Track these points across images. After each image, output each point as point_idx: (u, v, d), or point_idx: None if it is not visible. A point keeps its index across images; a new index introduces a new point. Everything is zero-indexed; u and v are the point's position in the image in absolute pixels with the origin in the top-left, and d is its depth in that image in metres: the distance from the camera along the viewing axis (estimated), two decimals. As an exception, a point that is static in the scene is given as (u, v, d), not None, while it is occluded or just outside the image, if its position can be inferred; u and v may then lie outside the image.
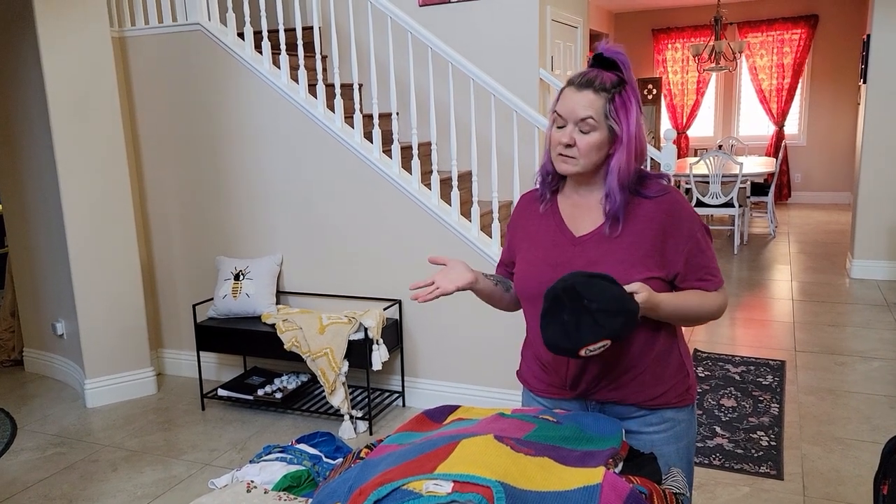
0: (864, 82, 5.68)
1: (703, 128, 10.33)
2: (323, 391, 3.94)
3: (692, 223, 1.51)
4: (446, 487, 1.13)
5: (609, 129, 1.48)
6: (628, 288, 1.40)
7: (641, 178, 1.54)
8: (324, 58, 4.72)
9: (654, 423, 1.57)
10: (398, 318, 3.75)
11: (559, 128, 1.51)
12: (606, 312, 1.34)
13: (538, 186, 1.66)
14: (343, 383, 3.47)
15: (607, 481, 1.19)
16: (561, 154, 1.51)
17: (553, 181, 1.62)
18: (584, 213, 1.57)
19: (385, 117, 4.45)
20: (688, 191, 7.22)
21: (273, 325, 3.66)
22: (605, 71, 1.48)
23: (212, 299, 3.96)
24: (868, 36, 5.58)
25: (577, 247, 1.54)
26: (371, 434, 3.53)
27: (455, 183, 3.58)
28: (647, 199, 1.52)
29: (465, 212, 3.91)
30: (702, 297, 1.53)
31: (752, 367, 4.11)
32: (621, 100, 1.47)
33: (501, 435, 1.31)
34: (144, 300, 4.15)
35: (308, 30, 4.75)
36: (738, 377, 3.99)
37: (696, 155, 9.63)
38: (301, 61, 3.81)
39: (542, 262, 1.57)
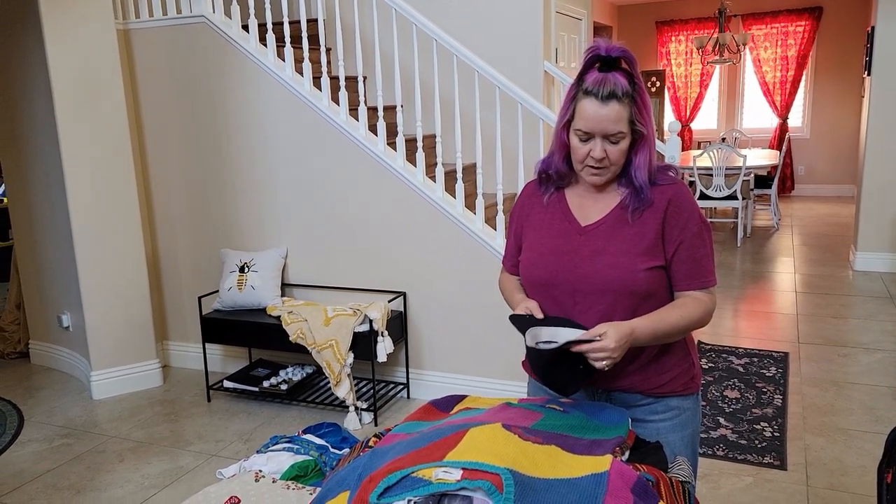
0: (869, 74, 5.66)
1: (706, 120, 10.30)
2: (328, 383, 3.96)
3: (690, 215, 1.52)
4: (456, 475, 1.14)
5: (634, 132, 1.48)
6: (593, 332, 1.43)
7: None
8: (328, 50, 4.72)
9: (660, 412, 1.59)
10: (403, 310, 3.77)
11: (583, 141, 1.49)
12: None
13: (537, 177, 1.66)
14: (348, 375, 3.49)
15: (614, 469, 1.21)
16: (591, 166, 1.51)
17: (566, 181, 1.62)
18: (591, 203, 1.58)
19: (389, 110, 4.46)
20: (691, 183, 7.21)
21: (278, 318, 3.68)
22: (616, 73, 1.45)
23: (217, 291, 3.98)
24: (872, 28, 5.57)
25: (582, 236, 1.56)
26: (376, 425, 3.54)
27: (459, 175, 3.58)
28: (654, 189, 1.53)
29: (470, 204, 3.92)
30: (682, 309, 1.50)
31: (755, 359, 4.12)
32: (641, 100, 1.47)
33: (509, 424, 1.32)
34: (150, 292, 4.17)
35: (312, 22, 4.75)
36: (741, 369, 4.00)
37: (699, 147, 9.62)
38: (306, 54, 3.81)
39: (548, 250, 1.58)
